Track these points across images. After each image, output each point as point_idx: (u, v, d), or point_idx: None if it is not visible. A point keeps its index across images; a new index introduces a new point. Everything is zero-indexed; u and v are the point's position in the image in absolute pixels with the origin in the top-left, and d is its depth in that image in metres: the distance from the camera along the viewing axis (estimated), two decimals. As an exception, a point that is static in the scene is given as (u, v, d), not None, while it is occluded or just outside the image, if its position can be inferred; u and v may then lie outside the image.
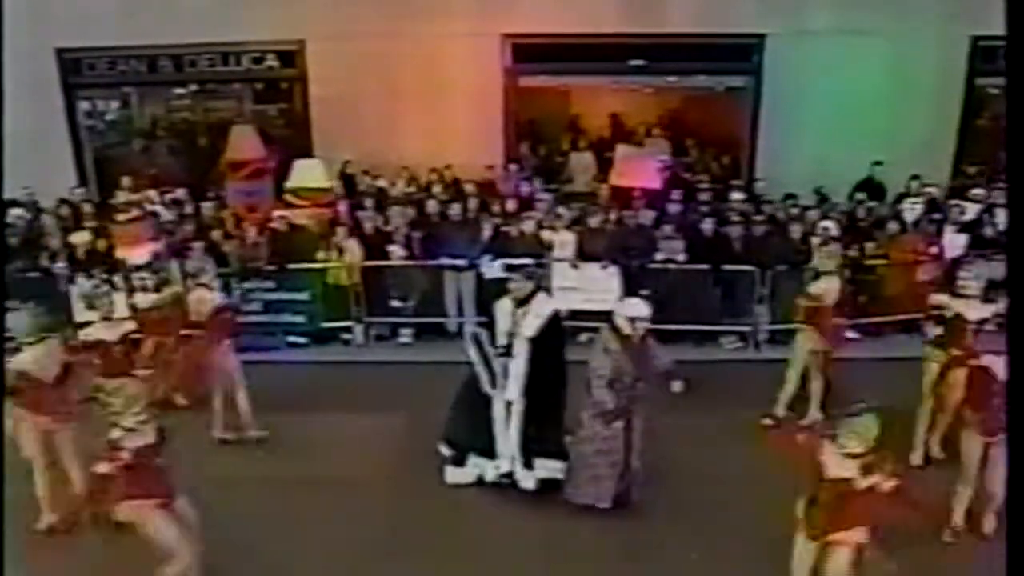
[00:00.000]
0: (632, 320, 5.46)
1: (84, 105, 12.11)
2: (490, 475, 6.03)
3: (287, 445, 6.67)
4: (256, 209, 8.99)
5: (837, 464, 4.29)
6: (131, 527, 4.63)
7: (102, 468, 4.49)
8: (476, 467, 6.06)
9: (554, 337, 5.84)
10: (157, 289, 7.38)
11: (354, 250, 8.65)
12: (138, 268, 7.61)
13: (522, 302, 5.85)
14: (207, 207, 9.35)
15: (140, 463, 4.51)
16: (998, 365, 5.00)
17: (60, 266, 8.70)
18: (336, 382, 7.87)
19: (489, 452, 6.00)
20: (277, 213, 8.88)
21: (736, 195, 9.54)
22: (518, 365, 5.81)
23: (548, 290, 7.09)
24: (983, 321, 5.94)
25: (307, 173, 9.30)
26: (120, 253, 8.28)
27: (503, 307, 5.93)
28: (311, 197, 9.14)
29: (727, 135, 12.49)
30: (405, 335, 8.93)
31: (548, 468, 5.90)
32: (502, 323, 5.89)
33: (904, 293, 8.79)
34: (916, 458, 6.32)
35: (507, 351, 5.81)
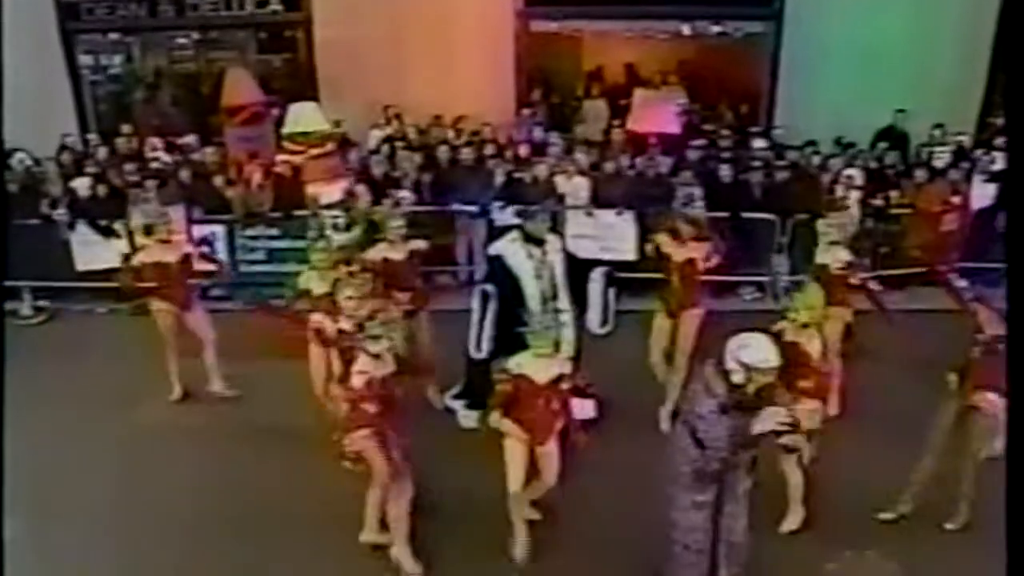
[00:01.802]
0: (748, 368, 3.82)
1: (87, 60, 11.77)
2: None
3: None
4: (258, 155, 8.71)
5: None
6: None
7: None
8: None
9: (579, 272, 5.72)
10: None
11: (362, 195, 8.37)
12: (329, 206, 7.39)
13: (539, 242, 5.64)
14: (209, 152, 9.05)
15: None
16: None
17: (60, 212, 8.48)
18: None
19: None
20: (280, 157, 8.59)
21: (759, 142, 9.18)
22: (564, 302, 5.73)
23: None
24: None
25: (303, 117, 8.89)
26: (311, 190, 8.03)
27: (516, 253, 5.72)
28: (309, 142, 8.84)
29: (744, 85, 12.07)
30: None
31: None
32: (523, 267, 5.70)
33: (929, 244, 8.53)
34: None
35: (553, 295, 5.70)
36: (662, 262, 6.08)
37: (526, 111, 10.30)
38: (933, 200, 8.48)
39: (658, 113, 8.97)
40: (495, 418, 4.55)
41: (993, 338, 4.35)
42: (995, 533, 3.61)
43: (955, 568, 4.64)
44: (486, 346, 5.71)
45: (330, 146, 8.45)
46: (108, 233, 8.42)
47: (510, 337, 5.57)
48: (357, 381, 4.45)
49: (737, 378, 3.75)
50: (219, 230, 8.47)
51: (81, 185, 8.58)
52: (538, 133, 9.71)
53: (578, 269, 5.81)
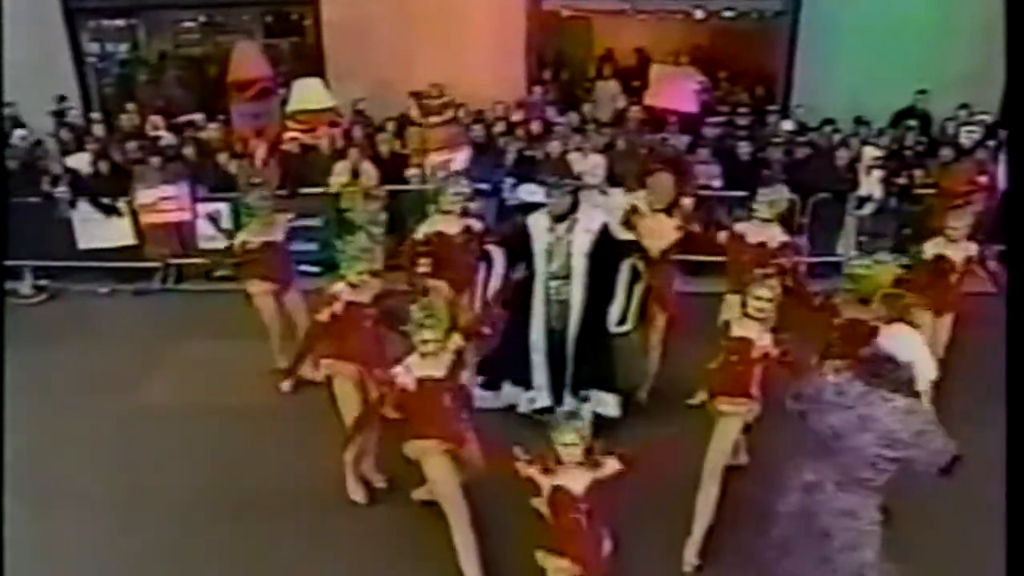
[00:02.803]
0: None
1: (93, 47, 11.59)
2: (523, 406, 5.63)
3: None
4: (263, 132, 8.49)
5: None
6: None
7: (320, 316, 4.83)
8: (509, 396, 5.66)
9: (608, 255, 5.39)
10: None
11: (370, 173, 8.17)
12: (447, 177, 7.05)
13: (561, 217, 5.38)
14: (213, 128, 8.84)
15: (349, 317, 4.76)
16: None
17: (61, 190, 8.28)
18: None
19: (524, 381, 5.59)
20: (288, 134, 8.38)
21: (786, 124, 8.93)
22: (575, 288, 5.39)
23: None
24: None
25: (307, 93, 8.68)
26: (432, 159, 7.86)
27: (538, 223, 5.47)
28: (313, 119, 8.62)
29: (759, 67, 11.85)
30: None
31: (604, 403, 5.51)
32: (539, 241, 5.42)
33: (952, 226, 8.26)
34: None
35: (565, 275, 5.40)
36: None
37: (539, 88, 10.03)
38: (959, 180, 8.18)
39: (676, 89, 8.71)
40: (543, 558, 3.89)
41: None
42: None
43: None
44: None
45: (450, 114, 8.28)
46: (110, 211, 8.23)
47: (521, 304, 5.49)
48: (405, 379, 4.14)
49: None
50: (224, 208, 8.25)
51: (82, 162, 8.37)
52: (550, 112, 9.43)
53: (607, 256, 5.47)
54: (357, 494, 5.07)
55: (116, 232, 8.29)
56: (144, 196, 8.23)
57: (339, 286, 4.86)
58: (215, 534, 4.80)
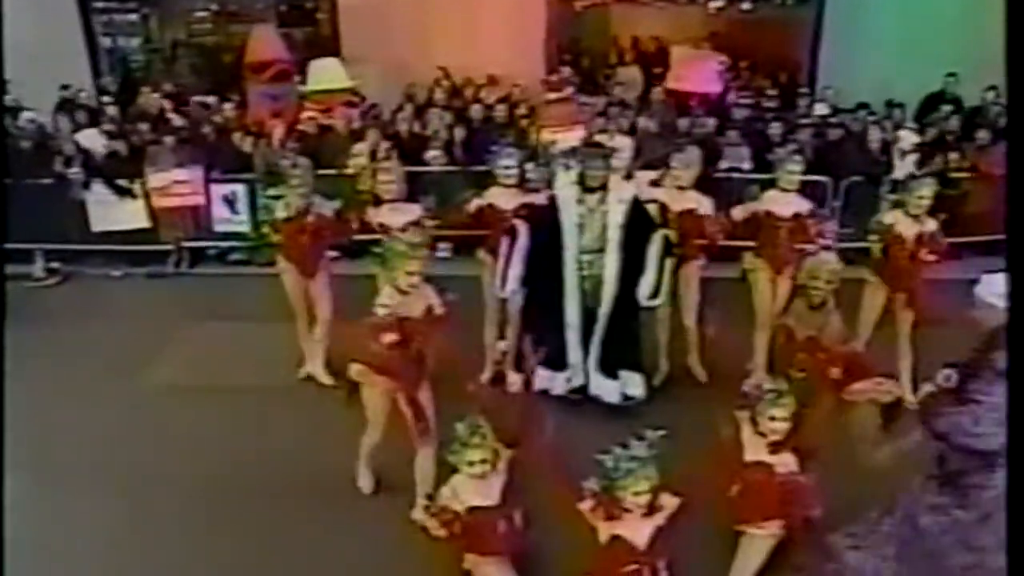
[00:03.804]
0: None
1: (105, 42, 11.53)
2: (559, 388, 5.40)
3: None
4: (281, 114, 8.31)
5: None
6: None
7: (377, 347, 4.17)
8: (542, 380, 5.33)
9: (640, 227, 5.16)
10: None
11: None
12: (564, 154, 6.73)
13: (592, 189, 5.16)
14: (228, 108, 8.66)
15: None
16: None
17: (74, 171, 8.10)
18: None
19: (557, 363, 5.36)
20: (306, 115, 8.20)
21: (820, 108, 8.72)
22: (610, 261, 5.16)
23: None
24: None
25: (324, 74, 8.51)
26: (545, 136, 7.52)
27: (567, 191, 5.25)
28: (330, 99, 8.44)
29: (782, 54, 11.67)
30: (443, 249, 8.26)
31: (633, 383, 5.32)
32: (568, 214, 5.20)
33: (990, 210, 8.04)
34: None
35: (599, 248, 5.18)
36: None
37: (566, 69, 9.88)
38: (996, 163, 7.96)
39: (698, 71, 8.52)
40: None
41: None
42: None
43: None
44: (510, 285, 5.28)
45: (568, 91, 8.04)
46: (124, 193, 8.05)
47: (541, 280, 5.30)
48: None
49: None
50: (240, 189, 8.06)
51: (96, 141, 8.18)
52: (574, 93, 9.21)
53: (642, 226, 5.26)
54: (365, 482, 4.80)
55: (130, 215, 8.10)
56: (157, 179, 8.03)
57: (387, 293, 4.27)
58: (227, 515, 4.61)
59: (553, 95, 7.72)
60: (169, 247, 8.36)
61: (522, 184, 5.80)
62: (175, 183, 7.99)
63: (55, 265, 8.24)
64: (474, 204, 5.67)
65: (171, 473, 4.98)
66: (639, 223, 5.23)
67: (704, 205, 5.52)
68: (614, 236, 5.20)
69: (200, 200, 8.12)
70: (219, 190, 8.12)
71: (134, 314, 7.35)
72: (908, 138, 7.93)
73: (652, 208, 5.56)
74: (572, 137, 7.15)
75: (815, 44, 10.69)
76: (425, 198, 5.96)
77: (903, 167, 7.84)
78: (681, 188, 5.56)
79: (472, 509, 3.63)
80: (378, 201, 5.74)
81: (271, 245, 6.05)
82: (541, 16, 10.72)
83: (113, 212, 8.09)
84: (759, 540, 3.97)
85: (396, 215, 5.63)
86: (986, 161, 7.99)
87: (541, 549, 3.95)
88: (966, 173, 8.01)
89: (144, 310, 7.49)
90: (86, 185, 8.04)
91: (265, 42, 8.53)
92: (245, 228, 8.15)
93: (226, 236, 8.28)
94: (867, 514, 3.78)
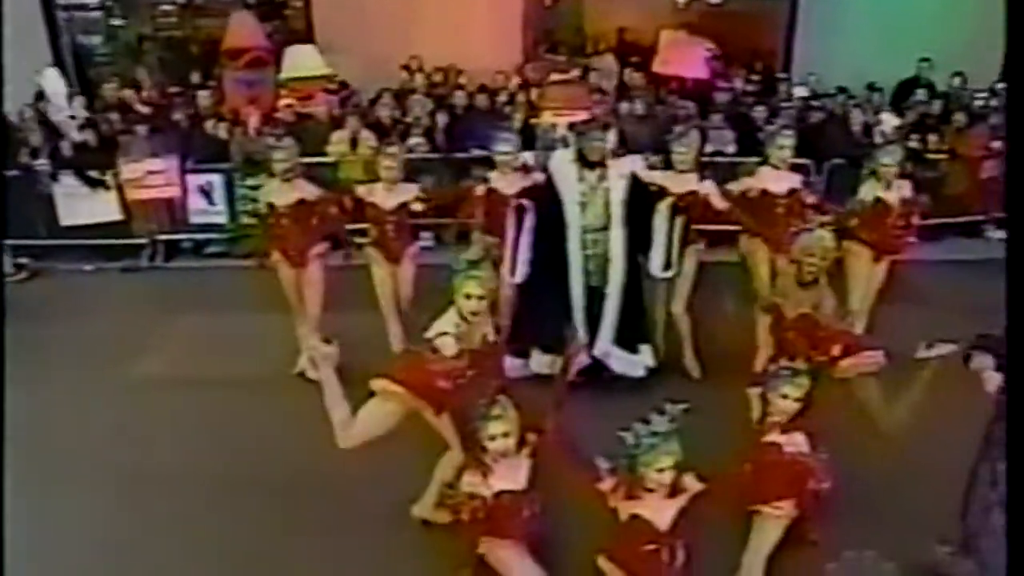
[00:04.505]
0: None
1: (68, 39, 11.13)
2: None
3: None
4: (256, 101, 8.12)
5: None
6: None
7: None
8: (541, 364, 5.28)
9: (642, 201, 5.10)
10: None
11: (369, 142, 7.82)
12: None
13: (592, 165, 5.08)
14: (203, 95, 8.43)
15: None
16: None
17: (42, 163, 7.83)
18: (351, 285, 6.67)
19: (557, 348, 5.21)
20: (283, 102, 8.02)
21: (799, 90, 8.75)
22: (615, 238, 5.10)
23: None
24: None
25: (300, 60, 8.37)
26: (547, 118, 7.37)
27: (566, 170, 5.16)
28: (307, 86, 8.28)
29: (755, 44, 11.67)
30: (426, 238, 8.13)
31: (648, 355, 5.29)
32: (569, 191, 5.11)
33: (968, 192, 8.16)
34: None
35: (603, 226, 5.12)
36: None
37: (547, 55, 9.81)
38: (973, 145, 8.10)
39: (685, 55, 8.51)
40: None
41: None
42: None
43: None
44: (521, 270, 5.16)
45: (575, 72, 7.92)
46: (96, 184, 7.80)
47: (549, 263, 5.20)
48: None
49: None
50: (216, 179, 7.86)
51: (68, 127, 7.90)
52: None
53: (643, 200, 5.19)
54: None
55: (102, 207, 7.85)
56: (130, 170, 7.80)
57: (449, 319, 3.74)
58: (216, 508, 4.44)
59: (557, 76, 7.58)
60: (143, 240, 8.12)
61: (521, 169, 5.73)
62: (149, 174, 7.77)
63: (23, 261, 7.96)
64: (481, 188, 5.54)
65: (156, 466, 4.80)
66: (641, 198, 5.16)
67: (705, 187, 5.44)
68: (617, 212, 5.14)
69: (176, 191, 7.91)
70: (195, 180, 7.91)
71: (111, 309, 7.12)
72: (889, 121, 7.99)
73: None
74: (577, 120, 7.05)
75: (789, 35, 10.76)
76: (424, 178, 5.81)
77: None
78: (681, 171, 5.49)
79: (499, 494, 3.54)
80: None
81: (252, 236, 5.90)
82: (517, 8, 10.67)
83: (84, 205, 7.85)
84: (773, 520, 3.93)
85: (391, 196, 5.50)
86: (963, 143, 8.12)
87: (556, 531, 3.87)
88: (944, 155, 8.08)
89: (121, 305, 7.25)
90: (54, 177, 7.78)
91: (243, 28, 8.34)
92: (223, 219, 8.01)
93: (203, 228, 8.06)
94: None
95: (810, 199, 5.52)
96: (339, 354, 3.86)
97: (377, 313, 5.76)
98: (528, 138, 7.66)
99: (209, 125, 7.98)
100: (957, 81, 9.23)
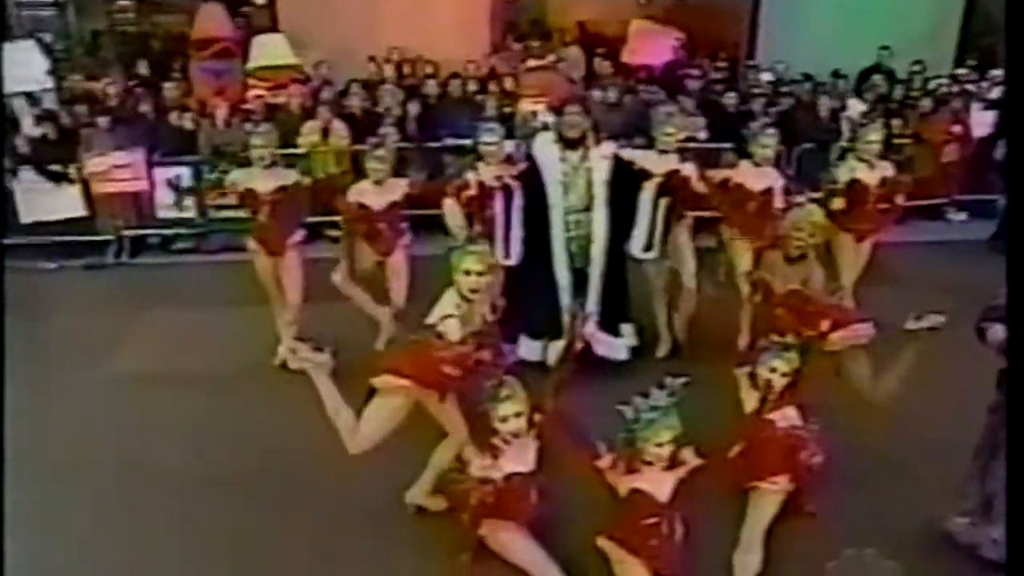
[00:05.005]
0: None
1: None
2: (553, 357, 5.26)
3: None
4: (224, 92, 7.98)
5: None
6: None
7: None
8: (531, 350, 5.24)
9: (625, 181, 5.08)
10: None
11: (340, 132, 7.72)
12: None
13: (572, 145, 5.06)
14: (169, 87, 8.24)
15: None
16: None
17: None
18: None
19: (546, 332, 5.20)
20: (251, 93, 7.88)
21: (765, 76, 8.85)
22: (598, 218, 5.07)
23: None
24: None
25: (269, 50, 8.27)
26: (525, 106, 7.24)
27: (548, 151, 5.13)
28: (276, 76, 8.15)
29: (718, 35, 11.78)
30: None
31: (630, 335, 5.26)
32: (551, 171, 5.08)
33: (931, 176, 8.34)
34: None
35: (585, 207, 5.09)
36: None
37: (517, 45, 9.78)
38: (936, 130, 8.28)
39: (653, 44, 8.55)
40: None
41: None
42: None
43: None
44: (515, 249, 5.10)
45: (551, 58, 7.82)
46: (59, 179, 7.57)
47: (534, 248, 5.16)
48: None
49: None
50: (185, 172, 7.68)
51: (26, 124, 7.67)
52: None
53: (626, 181, 5.15)
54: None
55: (65, 203, 7.62)
56: (95, 164, 7.59)
57: (449, 300, 3.66)
58: (197, 503, 4.32)
59: (534, 62, 7.55)
60: (108, 237, 7.90)
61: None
62: (115, 167, 7.56)
63: (-22, 259, 7.67)
64: (472, 179, 5.44)
65: (136, 462, 4.65)
66: (624, 179, 5.14)
67: (686, 168, 5.43)
68: (600, 193, 5.11)
69: (143, 185, 7.71)
70: (163, 174, 7.72)
71: (77, 307, 6.92)
72: (856, 106, 8.14)
73: None
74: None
75: (752, 27, 10.90)
76: (416, 173, 5.74)
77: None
78: (663, 152, 5.47)
79: (509, 476, 3.52)
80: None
81: (223, 231, 5.75)
82: (483, 1, 10.65)
83: (45, 201, 7.61)
84: (770, 495, 3.96)
85: (380, 195, 5.44)
86: (928, 128, 8.28)
87: (556, 512, 3.84)
88: (908, 140, 8.25)
89: (87, 303, 7.05)
90: (13, 172, 7.52)
91: (212, 20, 8.26)
92: (191, 214, 7.83)
93: (171, 223, 7.88)
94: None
95: (783, 199, 5.48)
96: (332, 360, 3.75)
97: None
98: (505, 128, 7.66)
99: (174, 117, 7.77)
100: (917, 68, 9.41)
